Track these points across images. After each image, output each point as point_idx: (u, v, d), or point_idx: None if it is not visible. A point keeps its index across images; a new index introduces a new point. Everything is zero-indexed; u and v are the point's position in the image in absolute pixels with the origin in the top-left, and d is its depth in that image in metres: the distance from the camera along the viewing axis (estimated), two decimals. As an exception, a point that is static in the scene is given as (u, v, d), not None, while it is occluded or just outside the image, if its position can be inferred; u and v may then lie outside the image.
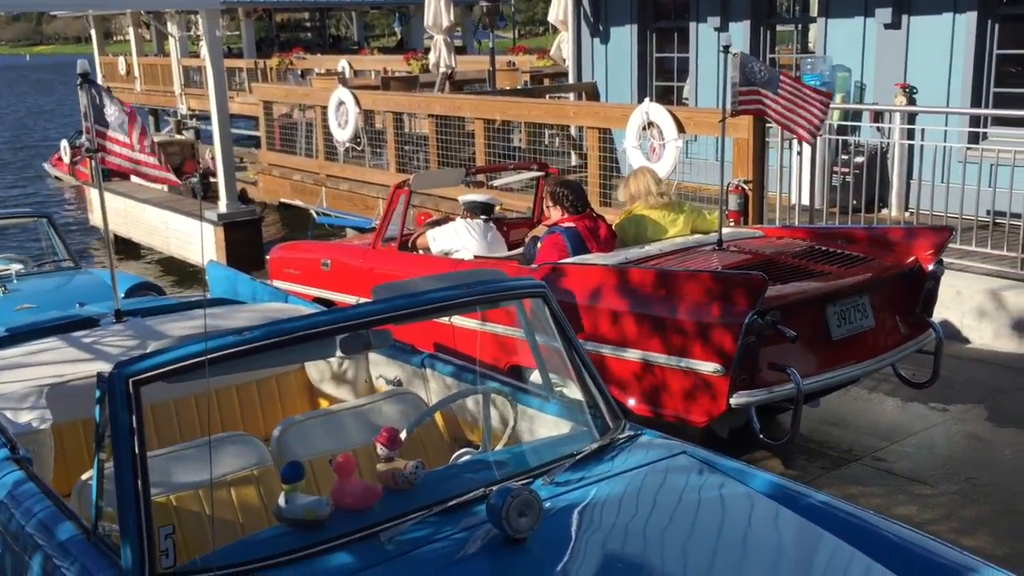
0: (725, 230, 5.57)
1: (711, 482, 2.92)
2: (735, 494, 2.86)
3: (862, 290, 4.92)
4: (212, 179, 15.82)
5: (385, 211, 6.40)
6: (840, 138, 8.86)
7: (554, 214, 5.67)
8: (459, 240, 6.01)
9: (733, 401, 4.38)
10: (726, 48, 5.37)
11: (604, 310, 4.79)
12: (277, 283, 6.69)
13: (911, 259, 5.15)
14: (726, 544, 2.71)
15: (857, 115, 9.32)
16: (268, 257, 7.17)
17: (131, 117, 4.39)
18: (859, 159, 8.86)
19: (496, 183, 7.58)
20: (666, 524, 2.77)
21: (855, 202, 8.45)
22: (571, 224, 5.52)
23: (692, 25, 11.37)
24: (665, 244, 5.47)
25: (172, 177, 4.39)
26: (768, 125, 8.29)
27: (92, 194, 15.08)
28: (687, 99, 11.73)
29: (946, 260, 7.30)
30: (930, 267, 5.12)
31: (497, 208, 6.32)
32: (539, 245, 5.57)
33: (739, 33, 10.84)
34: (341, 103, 12.58)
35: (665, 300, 4.60)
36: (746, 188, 7.91)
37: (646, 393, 4.68)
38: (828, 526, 2.69)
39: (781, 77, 5.43)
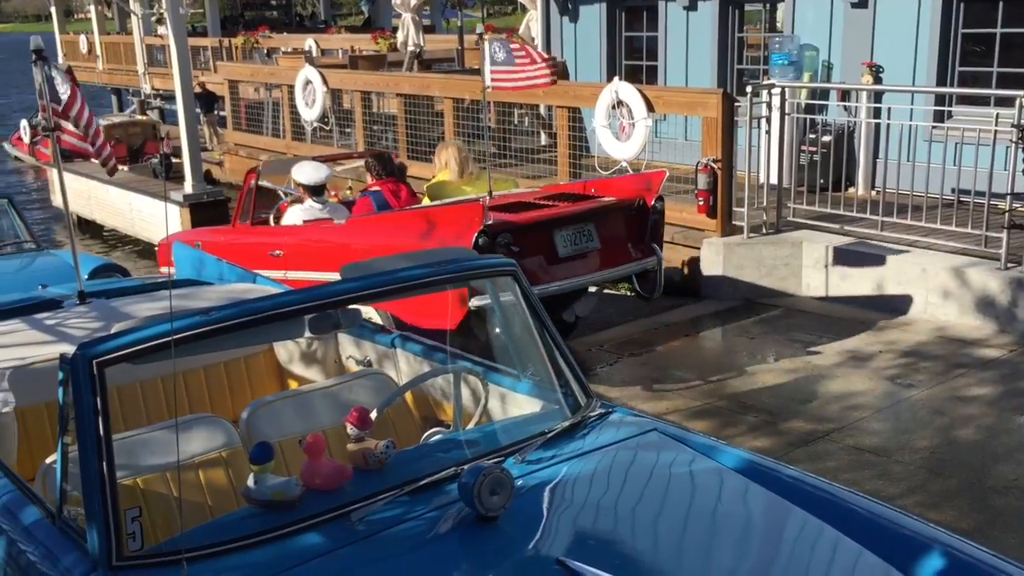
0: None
1: (681, 459, 2.93)
2: (705, 470, 2.87)
3: (587, 219, 6.27)
4: (176, 159, 15.59)
5: (241, 193, 7.42)
6: (808, 117, 8.90)
7: (368, 180, 7.05)
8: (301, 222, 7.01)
9: (471, 304, 5.29)
10: (480, 36, 6.07)
11: (378, 247, 5.52)
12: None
13: (637, 198, 6.50)
14: (697, 520, 2.73)
15: (825, 94, 9.37)
16: (156, 248, 7.65)
17: (72, 96, 4.28)
18: (826, 138, 8.91)
19: (339, 169, 8.69)
20: (637, 501, 2.77)
21: (822, 181, 8.50)
22: (377, 188, 6.87)
23: (661, 4, 11.35)
24: (450, 200, 6.60)
25: (110, 163, 4.30)
26: (737, 104, 8.32)
27: (53, 175, 14.82)
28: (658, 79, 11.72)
29: (911, 238, 7.42)
30: (652, 203, 6.49)
31: (329, 176, 7.29)
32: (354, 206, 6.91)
33: (708, 12, 10.85)
34: (308, 82, 12.45)
35: (418, 233, 5.93)
36: (715, 167, 7.94)
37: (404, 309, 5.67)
38: (797, 500, 2.70)
39: (512, 51, 6.80)
